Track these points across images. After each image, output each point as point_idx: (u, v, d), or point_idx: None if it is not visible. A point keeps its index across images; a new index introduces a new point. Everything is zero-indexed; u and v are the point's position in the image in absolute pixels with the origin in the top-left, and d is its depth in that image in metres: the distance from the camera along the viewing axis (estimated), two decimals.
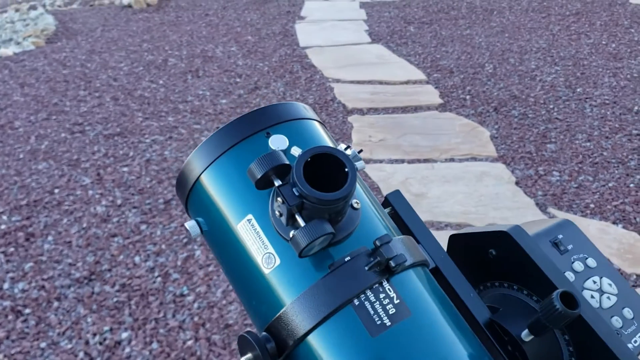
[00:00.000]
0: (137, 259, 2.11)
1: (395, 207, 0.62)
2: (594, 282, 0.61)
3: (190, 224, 0.60)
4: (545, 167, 2.67)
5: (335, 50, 4.40)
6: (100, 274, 2.03)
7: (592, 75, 3.75)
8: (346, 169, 0.49)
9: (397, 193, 0.63)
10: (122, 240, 2.20)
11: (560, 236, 0.63)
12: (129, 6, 5.90)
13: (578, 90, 3.54)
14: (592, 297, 0.60)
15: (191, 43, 4.66)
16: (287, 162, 0.51)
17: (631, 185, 2.51)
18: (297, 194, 0.49)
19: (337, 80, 3.79)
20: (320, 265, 0.52)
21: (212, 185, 0.59)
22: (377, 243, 0.50)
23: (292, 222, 0.51)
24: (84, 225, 2.30)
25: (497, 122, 3.12)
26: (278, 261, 0.54)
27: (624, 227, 2.25)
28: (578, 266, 0.61)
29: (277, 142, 0.58)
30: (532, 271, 0.58)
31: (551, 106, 3.31)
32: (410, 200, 2.56)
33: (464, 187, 2.49)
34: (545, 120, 3.14)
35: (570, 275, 0.61)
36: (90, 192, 2.53)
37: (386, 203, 0.63)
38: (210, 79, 3.87)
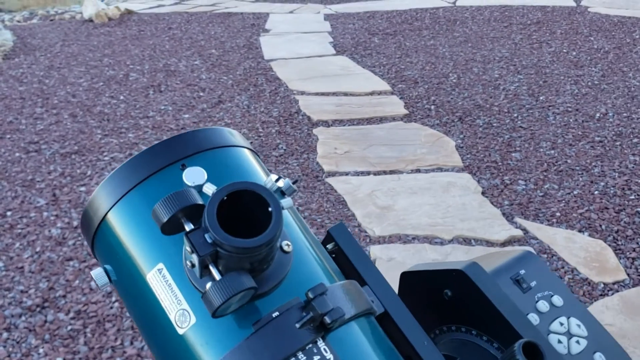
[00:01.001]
0: (93, 283, 2.02)
1: (339, 242, 0.55)
2: (561, 324, 0.56)
3: (97, 273, 0.52)
4: (511, 176, 2.66)
5: (299, 63, 4.37)
6: (54, 301, 1.93)
7: (555, 83, 3.78)
8: (269, 208, 0.43)
9: (340, 227, 0.56)
10: (78, 264, 2.11)
11: (522, 271, 0.58)
12: (90, 20, 5.79)
13: (541, 98, 3.56)
14: (560, 341, 0.55)
15: (154, 57, 4.58)
16: (200, 202, 0.44)
17: (596, 192, 2.52)
18: (210, 240, 0.42)
19: (302, 93, 3.76)
20: (243, 323, 0.45)
21: (120, 227, 0.51)
22: (310, 295, 0.44)
23: (207, 273, 0.44)
24: (38, 249, 2.20)
25: (462, 131, 3.12)
26: (193, 319, 0.46)
27: (589, 235, 2.24)
28: (543, 306, 0.56)
29: (193, 175, 0.51)
30: (492, 314, 0.53)
31: (515, 115, 3.32)
32: (377, 213, 2.50)
33: (431, 198, 2.46)
34: (509, 129, 3.15)
35: (534, 318, 0.55)
36: (45, 213, 2.43)
37: (329, 238, 0.57)
38: (172, 94, 3.80)
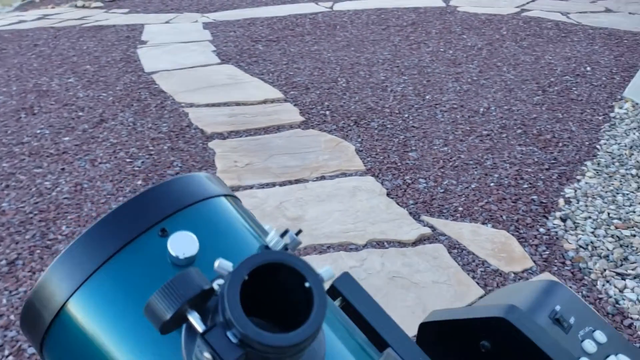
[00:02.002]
0: None
1: (347, 296, 0.48)
2: None
3: None
4: (411, 175, 2.71)
5: (184, 74, 4.20)
6: None
7: (437, 82, 3.92)
8: (307, 284, 0.34)
9: (346, 277, 0.49)
10: None
11: (558, 307, 0.53)
12: None
13: (427, 97, 3.68)
14: None
15: (21, 77, 4.21)
16: (210, 286, 0.36)
17: (491, 184, 2.62)
18: (235, 340, 0.33)
19: (191, 105, 3.61)
20: None
21: (87, 322, 0.40)
22: None
23: None
24: None
25: (359, 135, 3.14)
26: None
27: (493, 227, 2.33)
28: (590, 346, 0.51)
29: (182, 244, 0.41)
30: None
31: (406, 115, 3.40)
32: (288, 225, 2.46)
33: (339, 204, 2.45)
34: (403, 129, 3.21)
35: None
36: None
37: (334, 293, 0.49)
38: (48, 115, 3.50)
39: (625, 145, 2.99)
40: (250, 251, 0.46)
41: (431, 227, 2.32)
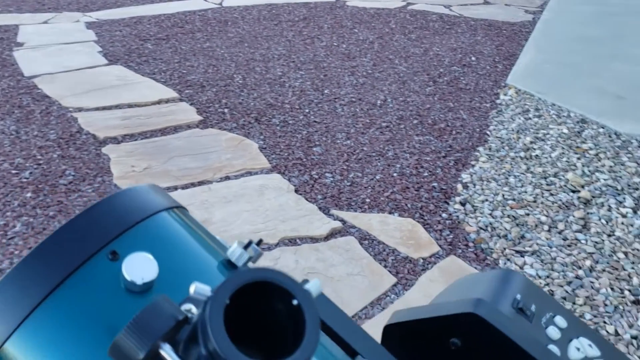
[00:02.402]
0: None
1: (322, 317, 0.45)
2: (578, 349, 0.52)
3: None
4: (318, 170, 2.72)
5: (69, 76, 3.96)
6: None
7: (334, 76, 3.97)
8: (294, 301, 0.32)
9: (321, 298, 0.46)
10: None
11: (519, 296, 0.53)
12: None
13: (326, 91, 3.71)
14: None
15: None
16: (184, 316, 0.32)
17: (395, 174, 2.69)
18: None
19: (80, 109, 3.41)
20: None
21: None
22: None
23: None
24: None
25: (261, 132, 3.10)
26: None
27: (400, 215, 2.39)
28: (554, 333, 0.52)
29: (138, 267, 0.37)
30: (513, 357, 0.46)
31: (307, 110, 3.41)
32: None
33: (247, 204, 2.40)
34: (305, 124, 3.22)
35: (555, 350, 0.50)
36: None
37: None
38: None
39: (513, 130, 3.17)
40: (212, 268, 0.43)
41: (341, 220, 2.34)
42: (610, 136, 3.11)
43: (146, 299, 0.38)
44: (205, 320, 0.30)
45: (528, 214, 2.44)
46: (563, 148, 2.98)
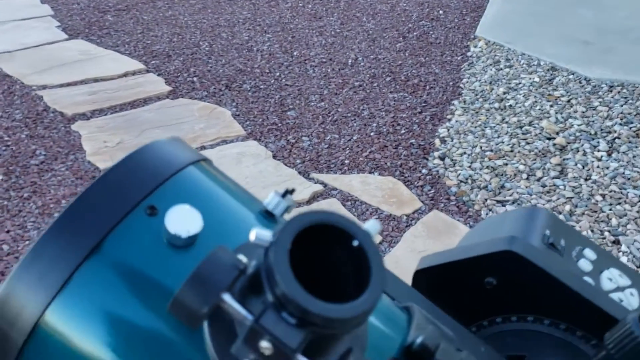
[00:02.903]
0: None
1: None
2: (610, 280, 0.52)
3: None
4: (294, 134, 2.69)
5: (29, 54, 3.82)
6: None
7: (302, 38, 3.90)
8: (355, 242, 0.31)
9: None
10: None
11: (548, 232, 0.52)
12: None
13: (295, 54, 3.65)
14: (621, 300, 0.50)
15: None
16: (245, 265, 0.32)
17: (372, 134, 2.68)
18: (293, 321, 0.29)
19: (44, 87, 3.30)
20: None
21: (71, 334, 0.34)
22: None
23: None
24: None
25: (233, 99, 3.05)
26: None
27: (380, 175, 2.39)
28: (586, 265, 0.51)
29: (182, 220, 0.35)
30: (557, 293, 0.45)
31: (278, 74, 3.35)
32: None
33: (226, 172, 2.38)
34: (277, 88, 3.17)
35: (591, 282, 0.50)
36: None
37: None
38: None
39: (485, 81, 3.18)
40: (252, 219, 0.42)
41: (322, 183, 2.33)
42: (580, 82, 3.13)
43: (191, 253, 0.36)
44: (271, 264, 0.29)
45: (506, 164, 2.46)
46: (536, 97, 2.99)
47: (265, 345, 0.30)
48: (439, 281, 0.52)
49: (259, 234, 0.32)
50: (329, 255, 0.33)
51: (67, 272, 0.34)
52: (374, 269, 0.31)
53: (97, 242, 0.35)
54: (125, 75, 3.41)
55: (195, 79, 3.32)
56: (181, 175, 0.39)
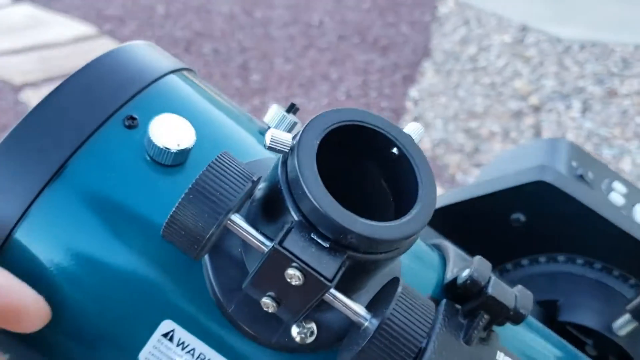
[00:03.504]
0: None
1: None
2: None
3: None
4: (259, 99, 2.57)
5: None
6: None
7: None
8: (394, 150, 0.26)
9: None
10: None
11: (575, 163, 0.45)
12: None
13: (257, 15, 3.49)
14: None
15: None
16: (259, 176, 0.26)
17: (342, 98, 2.57)
18: (326, 244, 0.23)
19: None
20: None
21: (46, 261, 0.28)
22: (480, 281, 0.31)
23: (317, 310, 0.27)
24: None
25: (193, 63, 2.89)
26: None
27: None
28: (617, 198, 0.45)
29: (170, 132, 0.29)
30: (588, 228, 0.39)
31: (239, 36, 3.20)
32: None
33: None
34: (239, 51, 3.02)
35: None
36: None
37: None
38: None
39: (456, 42, 3.09)
40: (251, 137, 0.36)
41: None
42: (551, 42, 3.07)
43: (181, 174, 0.31)
44: (296, 172, 0.24)
45: (480, 126, 2.39)
46: (507, 57, 2.92)
47: (292, 272, 0.24)
48: (456, 221, 0.45)
49: (276, 135, 0.26)
50: (356, 168, 0.28)
51: (27, 199, 0.28)
52: (423, 178, 0.26)
53: (65, 159, 0.29)
54: (77, 41, 3.21)
55: (152, 42, 3.14)
56: (164, 82, 0.33)
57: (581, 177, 0.45)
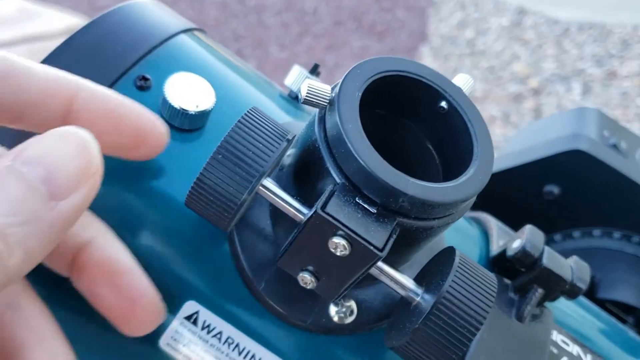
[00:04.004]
0: None
1: None
2: None
3: None
4: None
5: None
6: None
7: None
8: (444, 104, 0.23)
9: None
10: None
11: (607, 133, 0.42)
12: None
13: (250, 4, 3.44)
14: None
15: None
16: (293, 134, 0.24)
17: None
18: (374, 209, 0.21)
19: None
20: None
21: None
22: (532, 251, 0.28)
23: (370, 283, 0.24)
24: None
25: None
26: None
27: None
28: None
29: (187, 93, 0.26)
30: (626, 199, 0.37)
31: (233, 25, 3.15)
32: None
33: None
34: (233, 40, 2.98)
35: None
36: None
37: None
38: None
39: (453, 26, 3.05)
40: (272, 100, 0.34)
41: None
42: (549, 24, 3.04)
43: (200, 137, 0.28)
44: (339, 128, 0.21)
45: (480, 111, 2.36)
46: (505, 40, 2.89)
47: (337, 241, 0.21)
48: (484, 195, 0.42)
49: (313, 85, 0.23)
50: (397, 126, 0.25)
51: None
52: (478, 134, 0.23)
53: None
54: (69, 32, 3.16)
55: None
56: (177, 40, 0.30)
57: (614, 147, 0.42)
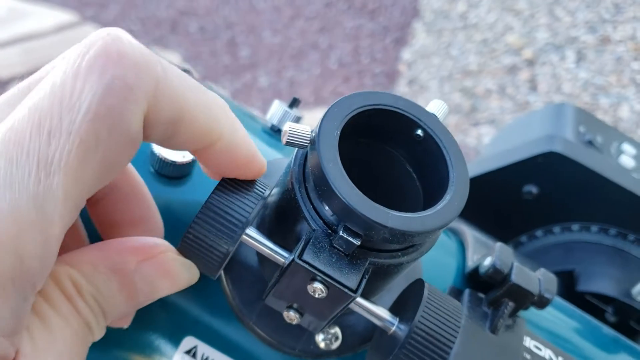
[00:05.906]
0: None
1: None
2: None
3: None
4: (250, 74, 2.53)
5: None
6: None
7: None
8: (419, 132, 0.25)
9: None
10: None
11: (582, 128, 0.44)
12: None
13: None
14: None
15: None
16: (270, 188, 0.26)
17: (334, 66, 2.54)
18: (349, 248, 0.22)
19: None
20: None
21: None
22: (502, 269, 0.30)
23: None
24: None
25: (179, 43, 2.85)
26: None
27: None
28: (628, 161, 0.44)
29: None
30: (601, 195, 0.39)
31: (225, 12, 3.14)
32: None
33: None
34: (224, 27, 2.97)
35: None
36: None
37: None
38: None
39: (445, 0, 3.04)
40: (255, 135, 0.34)
41: None
42: None
43: (187, 184, 0.30)
44: (323, 167, 0.22)
45: (476, 84, 2.36)
46: (498, 12, 2.88)
47: (315, 286, 0.23)
48: (468, 197, 0.43)
49: (294, 128, 0.24)
50: (377, 154, 0.26)
51: None
52: (453, 160, 0.24)
53: None
54: (60, 29, 3.15)
55: (136, 25, 3.09)
56: None
57: (590, 143, 0.44)
